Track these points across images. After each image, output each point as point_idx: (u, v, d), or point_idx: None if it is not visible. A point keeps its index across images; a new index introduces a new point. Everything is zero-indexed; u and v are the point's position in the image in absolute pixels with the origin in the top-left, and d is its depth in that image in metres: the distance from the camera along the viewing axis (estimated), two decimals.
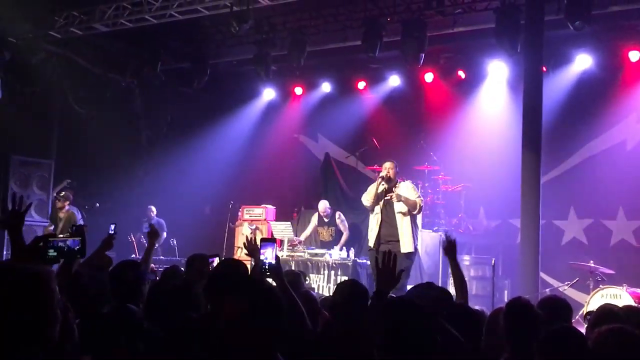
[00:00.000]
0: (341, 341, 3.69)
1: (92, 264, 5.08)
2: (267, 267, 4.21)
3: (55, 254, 3.21)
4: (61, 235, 3.60)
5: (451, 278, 5.43)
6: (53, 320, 2.21)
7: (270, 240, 4.40)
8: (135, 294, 4.11)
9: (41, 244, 3.09)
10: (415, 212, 9.22)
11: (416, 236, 9.37)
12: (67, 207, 11.90)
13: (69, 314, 3.24)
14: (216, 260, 5.55)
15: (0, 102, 11.49)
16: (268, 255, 4.25)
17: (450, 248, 5.00)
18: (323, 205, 11.68)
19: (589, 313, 4.44)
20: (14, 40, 11.53)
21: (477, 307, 4.95)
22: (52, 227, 11.77)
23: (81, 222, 11.03)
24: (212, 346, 2.88)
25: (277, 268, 4.24)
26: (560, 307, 4.28)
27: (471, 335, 3.73)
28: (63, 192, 11.98)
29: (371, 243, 9.33)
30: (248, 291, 2.74)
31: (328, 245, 11.37)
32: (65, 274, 4.70)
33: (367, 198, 9.42)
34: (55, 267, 3.71)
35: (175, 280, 5.33)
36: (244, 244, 4.69)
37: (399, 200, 9.11)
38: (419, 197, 9.31)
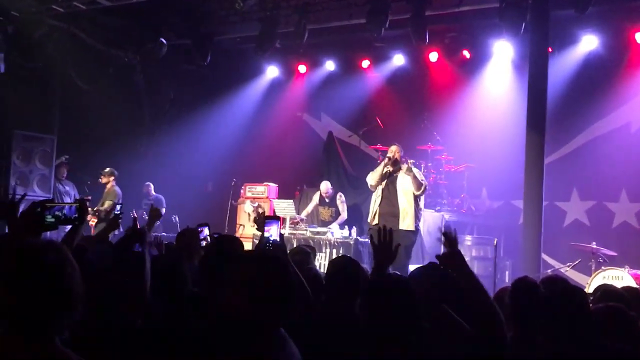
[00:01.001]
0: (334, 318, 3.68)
1: (100, 241, 5.10)
2: (271, 243, 4.22)
3: (53, 220, 3.20)
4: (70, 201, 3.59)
5: None
6: (78, 292, 2.20)
7: (274, 218, 4.41)
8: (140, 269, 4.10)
9: (38, 209, 3.07)
10: (418, 193, 9.29)
11: (418, 216, 9.43)
12: (112, 183, 12.02)
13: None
14: (205, 230, 5.53)
15: (3, 77, 11.45)
16: (273, 232, 4.26)
17: (450, 242, 4.94)
18: (325, 186, 11.69)
19: (590, 294, 4.44)
20: (17, 14, 11.45)
21: None
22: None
23: (119, 201, 11.40)
24: (213, 320, 2.84)
25: (281, 245, 4.24)
26: (557, 283, 4.27)
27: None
28: (108, 168, 12.09)
29: (371, 220, 9.50)
30: (254, 259, 2.71)
31: (328, 225, 11.39)
32: (67, 247, 4.70)
33: (372, 177, 9.57)
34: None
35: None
36: (255, 219, 4.66)
37: (409, 173, 9.16)
38: (423, 180, 9.43)
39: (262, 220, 4.41)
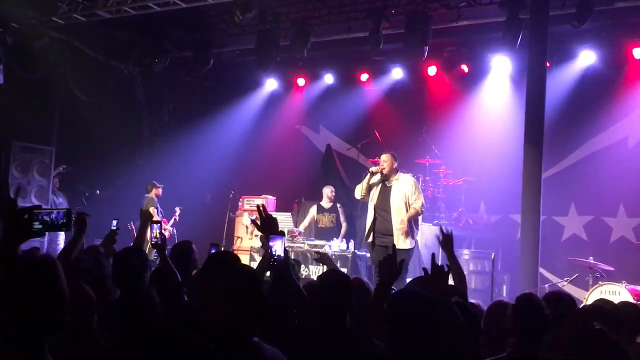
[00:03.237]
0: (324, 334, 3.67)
1: (96, 251, 5.11)
2: (275, 259, 4.18)
3: (40, 226, 3.19)
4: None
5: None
6: (62, 304, 2.22)
7: (279, 234, 4.33)
8: (137, 280, 4.12)
9: (26, 216, 3.08)
10: (424, 208, 9.28)
11: (414, 231, 9.29)
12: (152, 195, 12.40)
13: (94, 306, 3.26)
14: (155, 228, 5.35)
15: (2, 88, 11.46)
16: (277, 248, 4.20)
17: (446, 241, 4.98)
18: (329, 188, 11.72)
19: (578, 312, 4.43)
20: (17, 25, 11.49)
21: (472, 301, 4.95)
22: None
23: (159, 215, 11.89)
24: (201, 332, 2.89)
25: (285, 261, 4.22)
26: (563, 300, 4.26)
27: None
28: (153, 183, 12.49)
29: (367, 235, 9.29)
30: (225, 273, 2.76)
31: (328, 232, 11.37)
32: (64, 260, 4.72)
33: (358, 191, 9.46)
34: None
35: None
36: (256, 220, 4.53)
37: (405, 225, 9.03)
38: (418, 196, 9.18)
39: (265, 222, 4.31)
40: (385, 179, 9.24)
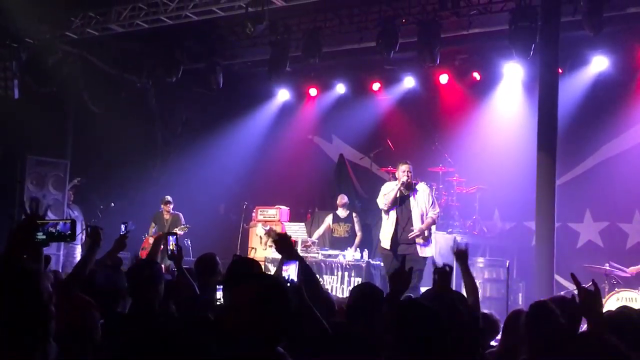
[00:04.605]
0: (354, 343, 3.69)
1: (105, 264, 5.12)
2: (289, 284, 4.13)
3: (44, 237, 3.20)
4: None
5: None
6: (45, 316, 2.24)
7: (294, 258, 4.26)
8: (151, 292, 4.13)
9: (29, 226, 3.10)
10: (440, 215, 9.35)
11: (430, 240, 9.37)
12: (171, 211, 12.53)
13: (93, 313, 3.28)
14: (171, 240, 5.34)
15: (17, 103, 11.57)
16: (291, 272, 4.14)
17: (460, 255, 4.98)
18: (340, 198, 11.72)
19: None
20: (31, 40, 11.60)
21: (485, 311, 4.93)
22: (154, 229, 12.47)
23: (183, 225, 12.19)
24: (222, 339, 2.91)
25: (299, 288, 4.19)
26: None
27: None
28: (167, 197, 12.61)
29: (386, 244, 9.31)
30: (255, 281, 2.83)
31: (343, 242, 11.36)
32: (79, 273, 4.74)
33: (384, 202, 9.40)
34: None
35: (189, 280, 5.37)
36: (273, 239, 4.49)
37: (419, 237, 9.19)
38: (433, 205, 9.34)
39: (282, 242, 4.29)
40: (409, 188, 9.31)
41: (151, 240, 11.54)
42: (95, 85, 12.39)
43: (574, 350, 2.86)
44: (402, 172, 9.26)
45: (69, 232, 3.29)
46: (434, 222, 9.40)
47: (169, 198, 12.60)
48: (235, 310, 2.73)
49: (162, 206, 12.61)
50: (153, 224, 12.58)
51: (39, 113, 11.77)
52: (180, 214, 12.59)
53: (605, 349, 2.86)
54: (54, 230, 3.25)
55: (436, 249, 10.45)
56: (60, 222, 3.30)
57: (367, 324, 3.86)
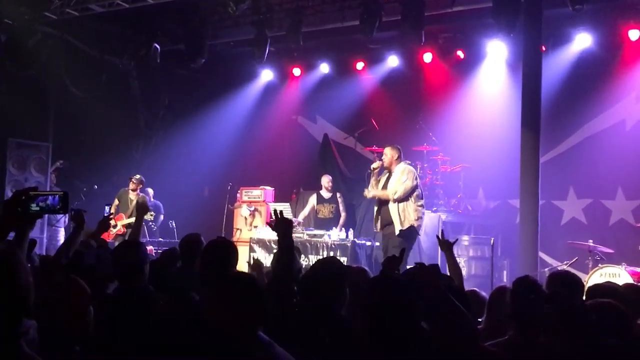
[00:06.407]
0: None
1: (90, 245, 5.10)
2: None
3: (37, 208, 3.18)
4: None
5: None
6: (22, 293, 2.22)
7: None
8: (138, 274, 4.11)
9: (23, 197, 3.08)
10: (396, 198, 9.22)
11: (411, 215, 9.25)
12: (138, 191, 11.83)
13: (87, 297, 3.26)
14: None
15: None
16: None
17: (445, 244, 5.17)
18: (327, 178, 11.72)
19: (587, 291, 4.42)
20: (10, 22, 11.43)
21: (470, 289, 5.02)
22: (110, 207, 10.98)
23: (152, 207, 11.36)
24: (204, 326, 2.97)
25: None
26: (572, 283, 4.24)
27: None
28: (138, 175, 11.88)
29: (376, 226, 9.59)
30: (230, 284, 2.99)
31: (328, 222, 11.36)
32: (63, 255, 4.72)
33: (369, 193, 9.68)
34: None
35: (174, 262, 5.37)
36: (272, 223, 4.40)
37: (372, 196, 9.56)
38: (398, 184, 9.26)
39: (279, 224, 4.22)
40: (388, 171, 9.46)
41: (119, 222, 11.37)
42: (76, 67, 12.24)
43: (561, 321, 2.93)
44: (385, 155, 9.55)
45: (59, 206, 3.26)
46: (385, 197, 9.30)
47: (140, 177, 11.88)
48: (210, 310, 2.91)
49: (129, 184, 11.82)
50: (116, 201, 11.73)
51: (19, 96, 11.64)
52: (147, 197, 11.86)
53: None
54: (44, 204, 3.23)
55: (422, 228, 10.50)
56: (50, 196, 3.27)
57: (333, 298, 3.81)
